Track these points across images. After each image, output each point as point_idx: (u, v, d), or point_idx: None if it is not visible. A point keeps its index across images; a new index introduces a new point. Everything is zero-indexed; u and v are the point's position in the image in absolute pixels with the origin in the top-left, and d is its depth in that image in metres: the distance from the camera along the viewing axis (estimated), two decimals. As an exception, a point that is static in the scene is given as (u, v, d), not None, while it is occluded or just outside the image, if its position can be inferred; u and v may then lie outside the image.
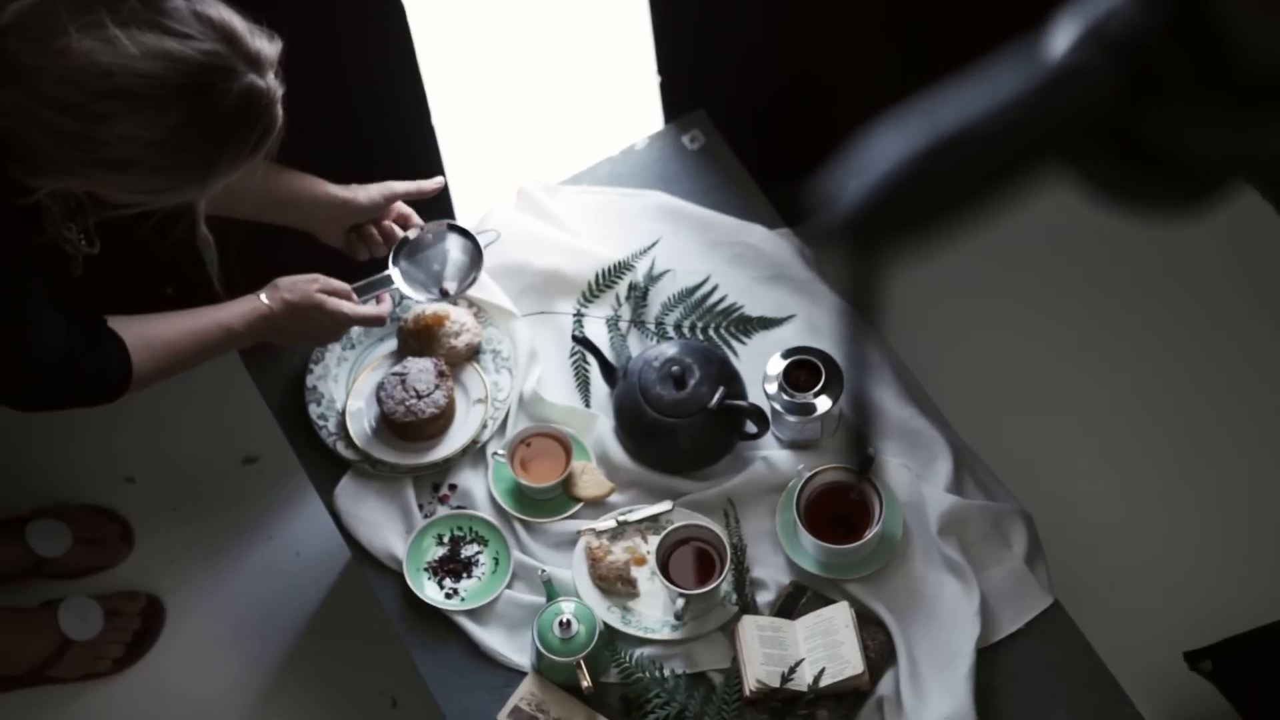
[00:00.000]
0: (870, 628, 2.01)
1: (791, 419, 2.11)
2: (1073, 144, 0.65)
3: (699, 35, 2.42)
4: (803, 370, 2.11)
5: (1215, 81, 0.60)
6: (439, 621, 2.09)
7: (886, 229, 0.66)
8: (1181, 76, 0.60)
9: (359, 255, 2.15)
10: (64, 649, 2.54)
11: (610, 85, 2.42)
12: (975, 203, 0.67)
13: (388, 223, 2.15)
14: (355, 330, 2.25)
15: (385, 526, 2.14)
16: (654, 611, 2.06)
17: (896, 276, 0.80)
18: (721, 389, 2.10)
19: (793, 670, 1.96)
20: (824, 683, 1.95)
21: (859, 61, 2.59)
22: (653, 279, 2.28)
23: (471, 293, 2.24)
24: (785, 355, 2.13)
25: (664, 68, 2.40)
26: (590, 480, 2.14)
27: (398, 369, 2.18)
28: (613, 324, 2.25)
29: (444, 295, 2.17)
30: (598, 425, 2.17)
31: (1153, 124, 0.64)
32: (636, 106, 2.44)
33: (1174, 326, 2.78)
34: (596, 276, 2.27)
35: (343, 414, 2.20)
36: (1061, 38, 0.66)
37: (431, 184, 2.15)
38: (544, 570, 2.04)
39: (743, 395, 2.13)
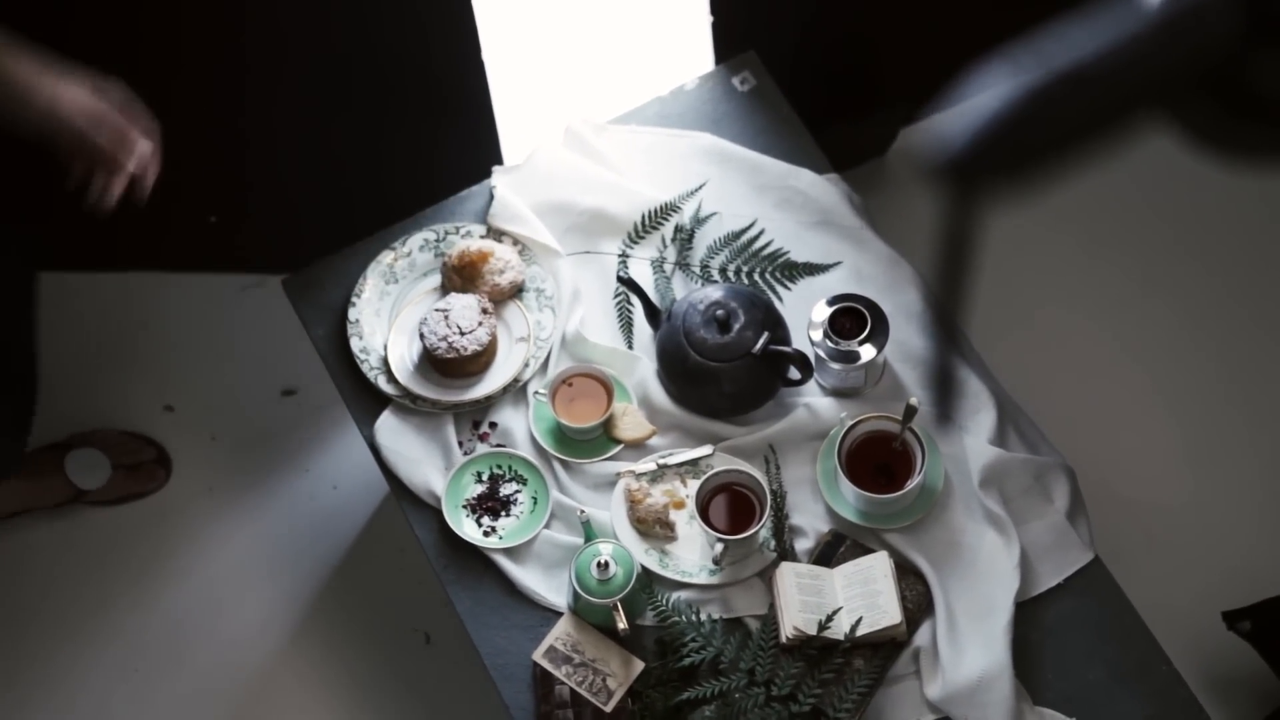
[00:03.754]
0: (909, 578, 2.01)
1: (835, 366, 2.09)
2: (1182, 89, 0.63)
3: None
4: (848, 318, 2.09)
5: None
6: (476, 559, 2.09)
7: (994, 169, 0.65)
8: None
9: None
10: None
11: (662, 24, 2.39)
12: (1085, 145, 0.66)
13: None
14: (400, 264, 2.24)
15: (425, 462, 2.14)
16: (692, 556, 2.06)
17: (994, 220, 0.78)
18: (766, 334, 2.08)
19: (830, 618, 1.95)
20: (861, 632, 1.95)
21: (910, 7, 2.55)
22: (699, 221, 2.26)
23: (516, 229, 2.23)
24: (830, 302, 2.11)
25: (716, 7, 2.37)
26: (631, 422, 2.13)
27: (441, 305, 2.17)
28: (657, 265, 2.24)
29: None
30: (640, 367, 2.16)
31: (1268, 70, 0.62)
32: (687, 46, 2.41)
33: (1222, 284, 2.75)
34: (643, 217, 2.26)
35: (385, 348, 2.19)
36: None
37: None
38: (582, 511, 2.03)
39: (787, 341, 2.12)
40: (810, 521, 2.06)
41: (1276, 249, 2.78)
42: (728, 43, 2.42)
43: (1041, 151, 0.64)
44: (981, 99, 0.65)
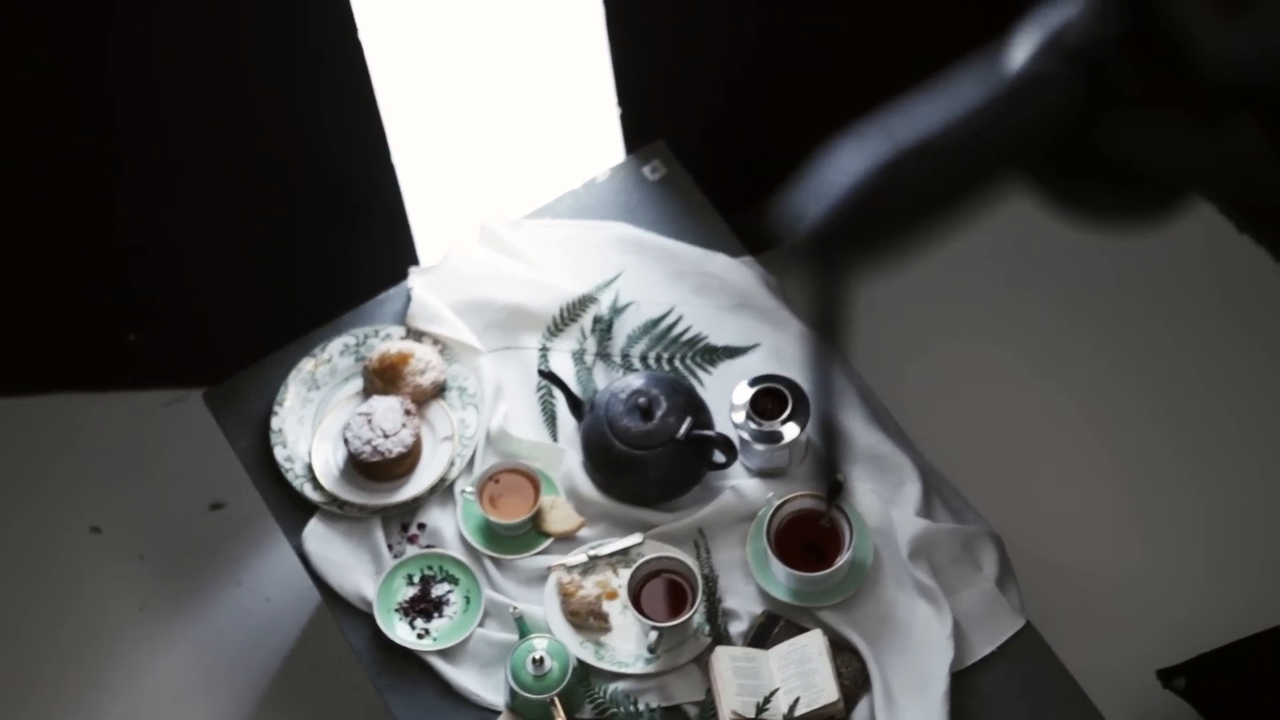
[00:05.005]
0: (844, 655, 2.01)
1: (759, 447, 2.10)
2: (1032, 154, 0.65)
3: (658, 67, 2.43)
4: (769, 398, 2.11)
5: (1174, 89, 0.60)
6: (411, 663, 2.07)
7: (850, 244, 0.66)
8: (1140, 85, 0.60)
9: None
10: None
11: (570, 118, 2.43)
12: (937, 215, 0.67)
13: None
14: (321, 370, 2.24)
15: (355, 568, 2.12)
16: (627, 645, 2.05)
17: (861, 293, 0.79)
18: (689, 419, 2.09)
19: (767, 700, 1.95)
20: (799, 712, 1.94)
21: (817, 89, 2.59)
22: (617, 311, 2.28)
23: (436, 329, 2.24)
24: (751, 384, 2.12)
25: (624, 99, 2.41)
26: (559, 515, 2.13)
27: (363, 408, 2.16)
28: (578, 357, 2.25)
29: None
30: (566, 459, 2.16)
31: (1112, 133, 0.64)
32: (597, 139, 2.44)
33: (1139, 344, 2.79)
34: (561, 310, 2.27)
35: (309, 455, 2.18)
36: (1022, 48, 0.66)
37: None
38: (515, 607, 2.02)
39: (710, 425, 2.13)
40: (743, 604, 2.06)
41: (1196, 305, 2.82)
42: (637, 133, 2.45)
43: (896, 223, 0.65)
44: (835, 175, 0.66)
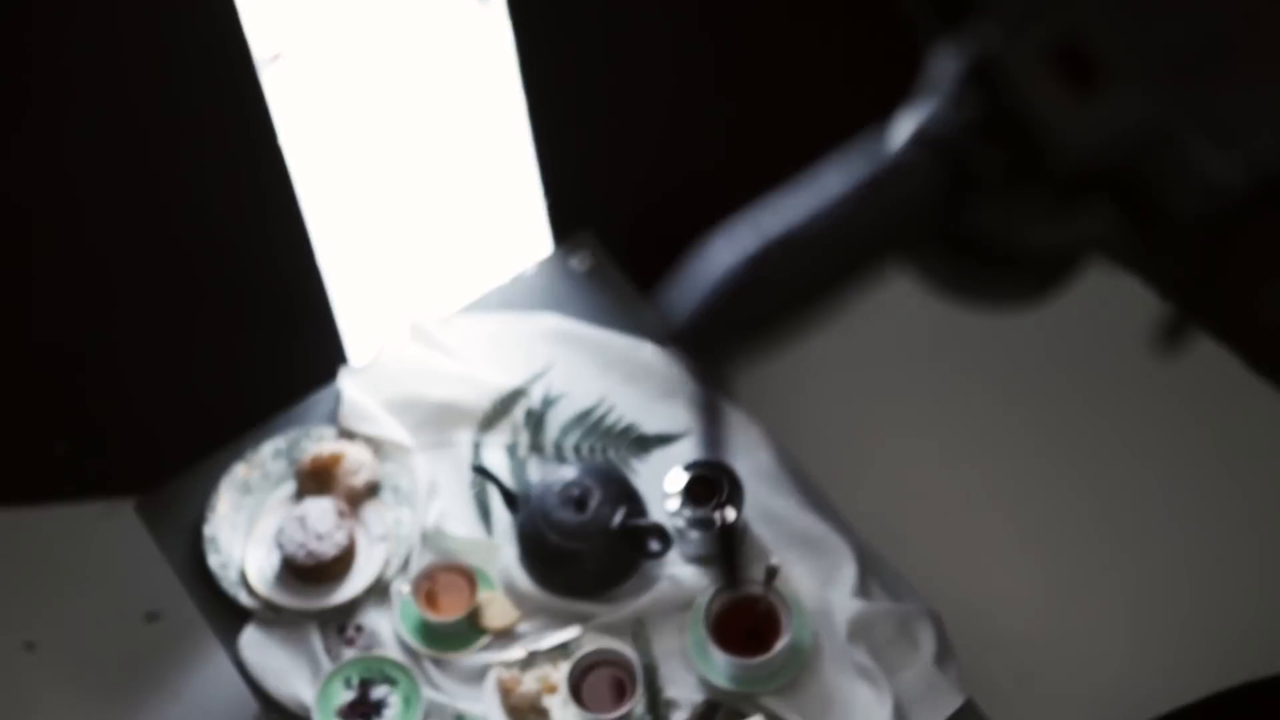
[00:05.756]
0: (787, 740, 2.00)
1: (694, 534, 2.10)
2: (906, 239, 0.66)
3: (582, 157, 2.45)
4: (702, 485, 2.11)
5: (1030, 174, 0.61)
6: (351, 767, 2.04)
7: (719, 338, 0.67)
8: (997, 171, 0.62)
9: None
10: None
11: (496, 212, 2.45)
12: (808, 304, 0.68)
13: None
14: (253, 475, 2.22)
15: (292, 674, 2.10)
16: (569, 740, 2.03)
17: (748, 376, 0.80)
18: (623, 509, 2.09)
19: (712, 790, 1.93)
20: (744, 800, 1.93)
21: (741, 173, 2.62)
22: (549, 403, 2.28)
23: (367, 429, 2.23)
24: (684, 470, 2.13)
25: (549, 191, 2.42)
26: (497, 610, 2.12)
27: (297, 511, 2.15)
28: (512, 451, 2.25)
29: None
30: (502, 554, 2.15)
31: (977, 219, 0.65)
32: (524, 232, 2.46)
33: (1069, 421, 2.81)
34: (493, 405, 2.27)
35: (243, 561, 2.16)
36: (893, 138, 0.68)
37: None
38: (456, 706, 2.00)
39: (644, 514, 2.13)
40: (684, 693, 2.05)
41: (1128, 383, 2.85)
42: (564, 224, 2.47)
43: (764, 314, 0.66)
44: (704, 270, 0.67)
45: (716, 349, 0.67)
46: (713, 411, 0.76)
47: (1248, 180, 0.60)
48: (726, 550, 1.14)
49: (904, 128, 0.67)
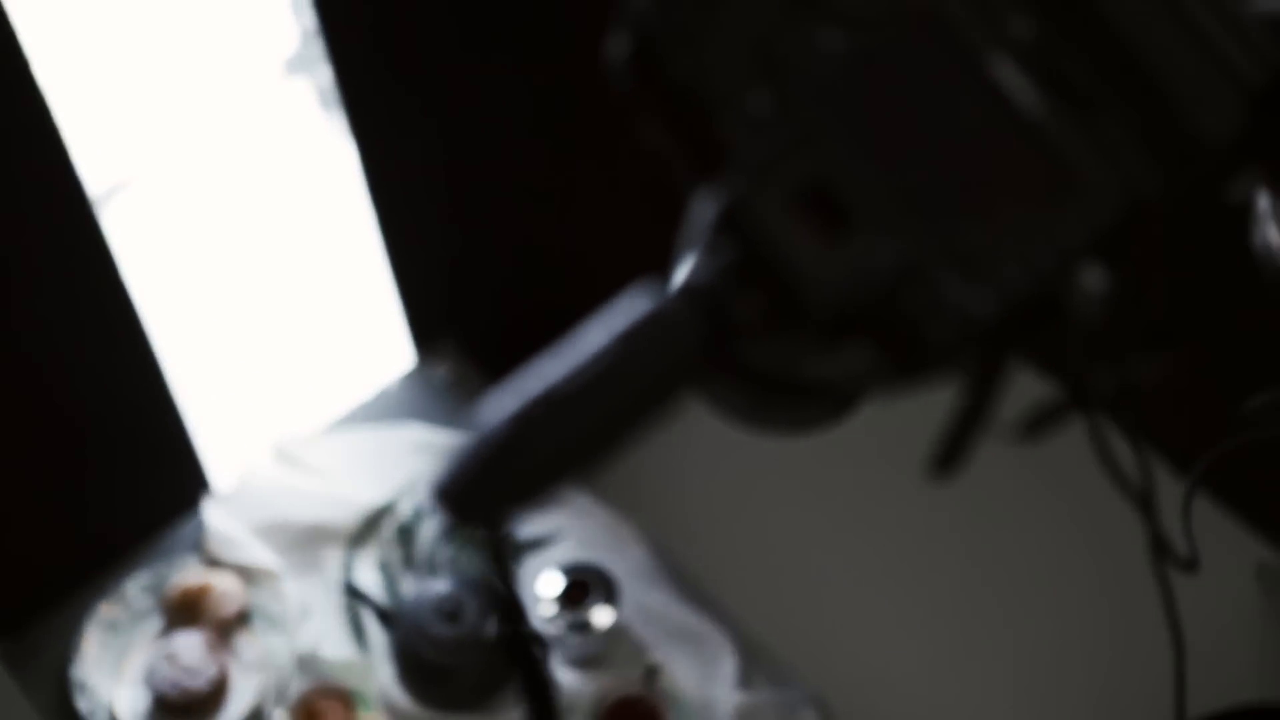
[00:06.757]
0: (679, 841, 1.98)
1: (572, 638, 2.09)
2: (677, 386, 0.66)
3: (437, 266, 2.45)
4: (578, 587, 2.10)
5: (789, 316, 0.62)
6: None
7: (484, 502, 0.66)
8: (757, 316, 0.63)
9: None
10: None
11: (356, 328, 2.43)
12: (583, 458, 0.68)
13: None
14: (119, 612, 2.17)
15: (170, 815, 2.04)
16: None
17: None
18: (498, 619, 2.07)
19: None
20: None
21: (601, 271, 2.63)
22: (419, 516, 2.26)
23: (235, 556, 2.19)
24: (558, 574, 2.12)
25: (407, 302, 2.42)
26: (377, 733, 2.08)
27: (166, 647, 2.10)
28: (384, 567, 2.22)
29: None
30: (379, 674, 2.12)
31: (747, 359, 0.66)
32: (385, 345, 2.44)
33: (949, 492, 2.83)
34: (362, 522, 2.24)
35: (113, 703, 2.11)
36: (661, 286, 0.68)
37: None
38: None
39: (521, 621, 2.10)
40: (572, 801, 2.03)
41: (1007, 462, 2.88)
42: (425, 334, 2.46)
43: (526, 471, 0.66)
44: (477, 429, 0.67)
45: (480, 514, 0.66)
46: (504, 574, 0.75)
47: (999, 310, 0.61)
48: (535, 686, 1.11)
49: (671, 276, 0.68)
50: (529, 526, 2.25)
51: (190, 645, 2.10)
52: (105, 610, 2.18)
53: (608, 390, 0.64)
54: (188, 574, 2.19)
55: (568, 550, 2.21)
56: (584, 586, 2.10)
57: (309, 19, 2.04)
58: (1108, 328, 0.64)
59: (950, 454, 0.68)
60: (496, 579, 0.79)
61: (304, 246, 2.29)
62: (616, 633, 2.13)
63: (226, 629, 2.15)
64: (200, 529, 2.24)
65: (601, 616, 2.08)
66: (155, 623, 2.18)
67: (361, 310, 2.42)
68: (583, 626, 2.08)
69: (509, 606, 0.74)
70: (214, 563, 2.21)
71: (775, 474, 2.86)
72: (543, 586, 2.11)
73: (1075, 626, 2.67)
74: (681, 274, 0.66)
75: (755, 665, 2.12)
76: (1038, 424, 0.69)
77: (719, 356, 0.65)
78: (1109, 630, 2.66)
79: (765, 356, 0.65)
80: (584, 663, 2.11)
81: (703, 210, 0.63)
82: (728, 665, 2.10)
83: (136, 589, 2.20)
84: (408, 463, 2.32)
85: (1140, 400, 0.69)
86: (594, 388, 0.64)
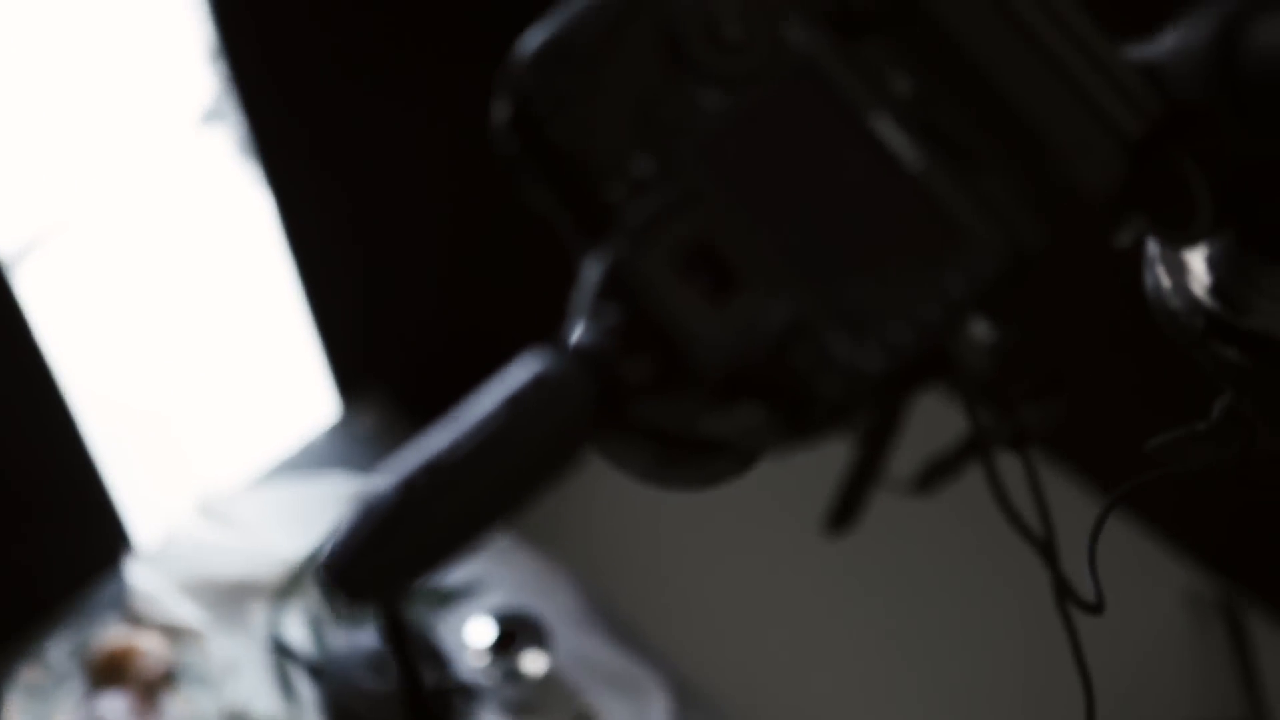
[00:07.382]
0: None
1: (504, 687, 2.07)
2: (567, 450, 0.65)
3: (359, 314, 2.43)
4: (509, 635, 2.08)
5: (678, 379, 0.61)
6: None
7: (371, 576, 0.64)
8: (646, 377, 0.62)
9: None
10: None
11: (280, 380, 2.41)
12: (478, 521, 0.66)
13: None
14: (39, 676, 2.13)
15: None
16: None
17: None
18: (429, 670, 2.05)
19: None
20: None
21: (531, 321, 2.63)
22: (346, 568, 2.23)
23: (159, 615, 2.16)
24: (486, 621, 2.10)
25: (330, 352, 2.40)
26: (308, 790, 2.05)
27: (90, 710, 2.06)
28: (311, 621, 2.19)
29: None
30: (309, 730, 2.09)
31: (642, 416, 0.65)
32: (310, 397, 2.43)
33: (882, 534, 2.84)
34: (288, 575, 2.21)
35: (36, 770, 2.07)
36: (549, 351, 0.67)
37: None
38: None
39: (450, 672, 2.09)
40: None
41: (945, 501, 2.89)
42: (350, 384, 2.44)
43: (411, 543, 0.64)
44: (356, 505, 0.65)
45: (370, 590, 0.65)
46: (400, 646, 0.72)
47: (887, 366, 0.61)
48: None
49: (562, 338, 0.67)
50: (456, 574, 2.23)
51: (116, 708, 2.06)
52: (27, 674, 2.13)
53: (495, 455, 0.63)
54: (111, 634, 2.15)
55: (498, 596, 2.20)
56: (516, 634, 2.08)
57: (223, 70, 2.03)
58: (997, 378, 0.64)
59: (845, 510, 0.68)
60: (395, 658, 0.75)
61: (223, 298, 2.27)
62: (549, 679, 2.11)
63: (153, 690, 2.12)
64: (122, 587, 2.21)
65: (533, 663, 2.06)
66: (78, 685, 2.14)
67: (284, 361, 2.40)
68: (514, 674, 2.06)
69: (410, 684, 0.71)
70: (138, 622, 2.17)
71: (705, 515, 2.86)
72: (472, 634, 2.09)
73: (1005, 663, 2.68)
74: (571, 336, 0.65)
75: (688, 708, 2.11)
76: (933, 475, 0.69)
77: (611, 417, 0.64)
78: (1038, 665, 2.66)
79: (658, 416, 0.64)
80: (517, 710, 2.10)
81: (590, 272, 0.63)
82: (660, 709, 2.09)
83: (58, 651, 2.16)
84: (335, 513, 2.29)
85: (1034, 447, 0.69)
86: (481, 453, 0.63)
